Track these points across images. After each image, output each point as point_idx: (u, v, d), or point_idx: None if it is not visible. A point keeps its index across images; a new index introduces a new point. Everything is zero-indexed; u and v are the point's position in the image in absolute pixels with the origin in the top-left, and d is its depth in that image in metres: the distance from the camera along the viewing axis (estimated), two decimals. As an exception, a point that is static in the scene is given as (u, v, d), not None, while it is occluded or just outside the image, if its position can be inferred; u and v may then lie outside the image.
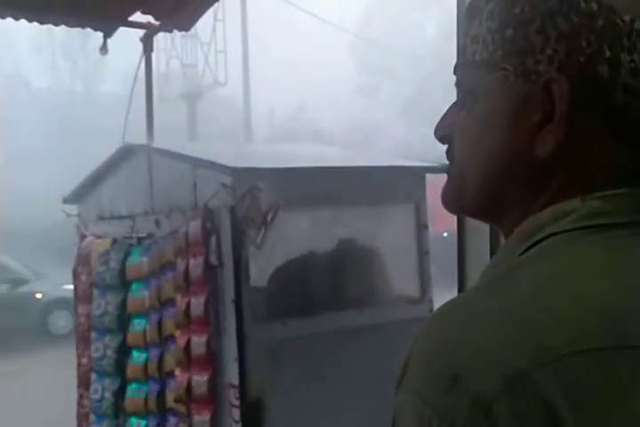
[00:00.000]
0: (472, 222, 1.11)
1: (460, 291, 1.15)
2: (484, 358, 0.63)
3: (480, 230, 1.09)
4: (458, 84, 0.87)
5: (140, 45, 4.69)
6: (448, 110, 0.90)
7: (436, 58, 25.14)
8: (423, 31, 26.41)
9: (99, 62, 23.26)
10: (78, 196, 4.22)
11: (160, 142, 3.96)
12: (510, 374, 0.61)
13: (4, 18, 4.36)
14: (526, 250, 0.75)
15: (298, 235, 3.41)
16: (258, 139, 20.16)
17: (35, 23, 4.46)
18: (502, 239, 1.13)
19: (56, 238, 16.12)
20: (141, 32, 4.70)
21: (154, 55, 4.77)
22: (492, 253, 1.08)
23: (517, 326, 0.64)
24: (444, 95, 23.43)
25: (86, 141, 19.21)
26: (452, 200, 0.87)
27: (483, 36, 0.80)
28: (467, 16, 0.85)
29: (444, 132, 0.89)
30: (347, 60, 26.41)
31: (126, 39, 4.85)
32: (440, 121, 0.90)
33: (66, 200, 4.28)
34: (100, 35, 4.68)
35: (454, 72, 0.89)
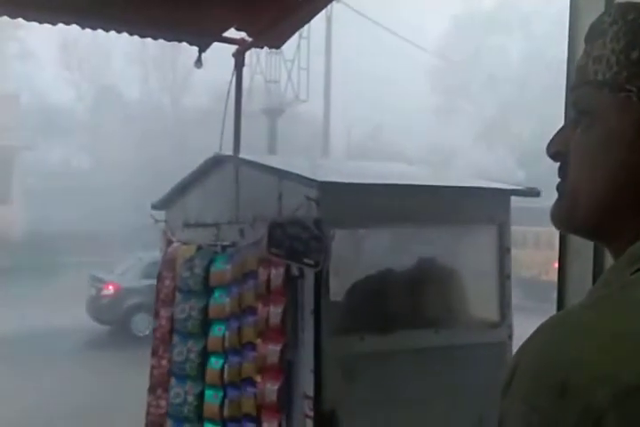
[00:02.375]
0: (575, 242, 1.12)
1: (558, 310, 1.15)
2: (596, 372, 0.64)
3: (583, 250, 1.09)
4: (574, 103, 0.88)
5: (224, 61, 4.82)
6: (562, 127, 0.91)
7: (517, 82, 24.83)
8: (506, 55, 26.13)
9: (186, 77, 24.03)
10: (166, 202, 4.36)
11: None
12: (621, 388, 0.62)
13: (107, 31, 4.59)
14: (638, 270, 0.76)
15: (379, 251, 3.43)
16: (335, 156, 20.32)
17: (130, 37, 4.66)
18: (607, 260, 1.13)
19: (133, 242, 16.65)
20: (226, 48, 4.83)
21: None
22: (594, 274, 1.08)
23: (629, 342, 0.65)
24: (524, 120, 23.11)
25: (170, 151, 19.81)
26: (564, 218, 0.88)
27: (607, 57, 0.82)
28: (589, 36, 0.87)
29: (557, 148, 0.90)
30: (426, 80, 26.38)
31: (211, 55, 5.00)
32: (554, 137, 0.92)
33: (154, 206, 4.43)
34: (188, 51, 4.84)
35: (571, 91, 0.90)
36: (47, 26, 4.03)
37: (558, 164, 0.93)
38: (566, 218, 0.87)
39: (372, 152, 22.46)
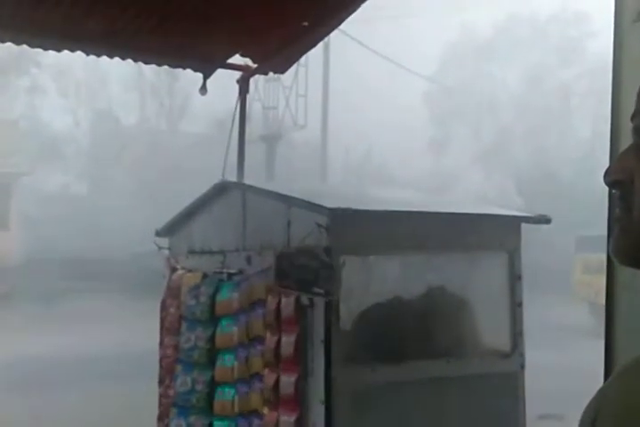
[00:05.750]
0: (623, 274, 1.07)
1: (607, 347, 1.10)
2: None
3: (633, 282, 1.04)
4: (638, 130, 0.85)
5: (222, 86, 4.81)
6: (623, 155, 0.87)
7: (514, 108, 25.01)
8: (502, 81, 26.37)
9: (183, 102, 24.19)
10: (170, 229, 4.32)
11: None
12: None
13: (111, 58, 4.59)
14: None
15: (390, 278, 3.38)
16: (332, 182, 20.36)
17: (126, 62, 4.65)
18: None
19: (132, 270, 16.56)
20: (224, 74, 4.82)
21: (235, 97, 4.86)
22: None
23: None
24: (522, 146, 23.22)
25: (167, 177, 19.81)
26: (629, 251, 0.83)
27: None
28: None
29: (618, 177, 0.86)
30: (422, 106, 26.58)
31: (209, 81, 4.98)
32: (613, 165, 0.87)
33: (158, 233, 4.38)
34: (186, 76, 4.85)
35: (632, 118, 0.87)
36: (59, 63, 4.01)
37: (612, 191, 0.89)
38: (632, 251, 0.82)
39: (369, 177, 22.51)
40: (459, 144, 26.00)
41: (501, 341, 3.51)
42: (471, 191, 21.36)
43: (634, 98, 0.88)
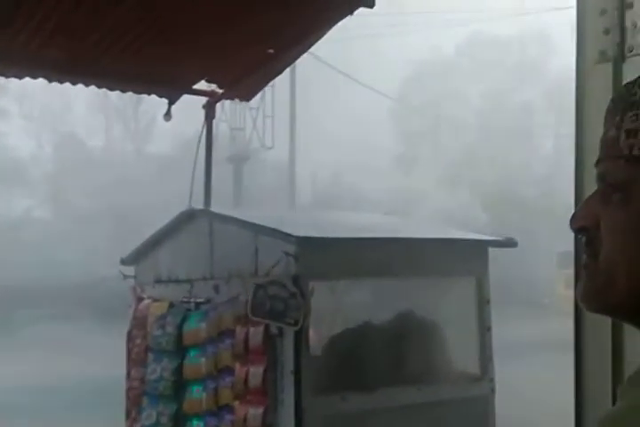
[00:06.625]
0: (591, 316, 1.07)
1: (577, 387, 1.10)
2: None
3: (600, 324, 1.04)
4: (603, 177, 0.84)
5: (188, 109, 4.78)
6: (588, 201, 0.86)
7: (479, 126, 25.39)
8: (467, 100, 26.74)
9: (149, 124, 24.05)
10: (136, 258, 4.25)
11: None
12: None
13: (74, 84, 4.54)
14: None
15: (358, 305, 3.37)
16: (301, 202, 20.36)
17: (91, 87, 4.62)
18: (626, 334, 1.08)
19: (97, 296, 16.26)
20: (192, 97, 4.80)
21: (202, 118, 4.85)
22: (614, 351, 1.03)
23: None
24: (486, 164, 23.48)
25: (135, 199, 19.61)
26: (596, 298, 0.83)
27: None
28: (617, 108, 0.83)
29: (584, 223, 0.85)
30: (388, 127, 26.81)
31: (176, 103, 4.95)
32: (579, 211, 0.87)
33: (123, 262, 4.31)
34: (151, 99, 4.81)
35: (596, 164, 0.86)
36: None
37: (578, 236, 0.89)
38: (600, 298, 0.82)
39: (337, 197, 22.56)
40: (425, 162, 26.23)
41: (471, 365, 3.51)
42: (437, 209, 21.51)
43: (597, 140, 0.88)
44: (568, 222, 0.89)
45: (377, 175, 23.87)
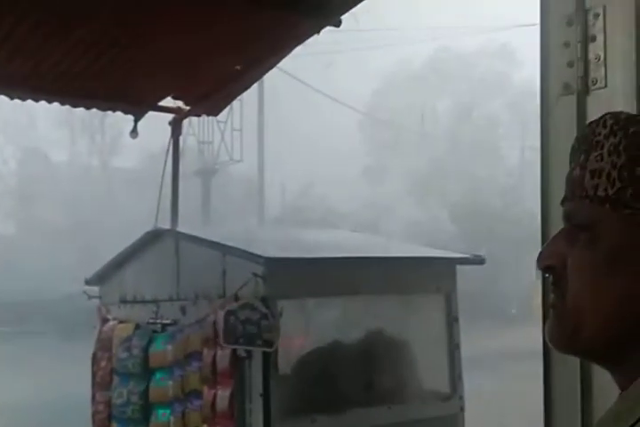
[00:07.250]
0: (559, 355, 1.06)
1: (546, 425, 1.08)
2: None
3: (568, 361, 1.03)
4: (568, 217, 0.83)
5: (155, 123, 4.73)
6: (554, 240, 0.85)
7: (446, 138, 25.65)
8: (434, 112, 27.02)
9: (115, 138, 23.82)
10: (101, 278, 4.18)
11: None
12: None
13: (36, 101, 4.47)
14: None
15: (327, 324, 3.34)
16: (270, 215, 20.30)
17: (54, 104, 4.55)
18: (595, 372, 1.07)
19: (64, 311, 15.95)
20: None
21: (169, 131, 4.80)
22: (582, 389, 1.02)
23: None
24: (454, 176, 23.70)
25: (100, 214, 19.37)
26: (564, 338, 0.82)
27: (607, 171, 0.77)
28: (581, 148, 0.83)
29: (550, 262, 0.84)
30: (357, 140, 26.94)
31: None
32: (545, 250, 0.86)
33: (88, 282, 4.23)
34: (118, 113, 4.75)
35: (562, 203, 0.86)
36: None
37: (545, 276, 0.88)
38: (567, 338, 0.81)
39: (307, 209, 22.55)
40: (394, 174, 26.38)
41: (441, 383, 3.50)
42: (406, 220, 21.61)
43: (563, 172, 0.87)
44: (536, 257, 0.88)
45: (346, 187, 23.94)
